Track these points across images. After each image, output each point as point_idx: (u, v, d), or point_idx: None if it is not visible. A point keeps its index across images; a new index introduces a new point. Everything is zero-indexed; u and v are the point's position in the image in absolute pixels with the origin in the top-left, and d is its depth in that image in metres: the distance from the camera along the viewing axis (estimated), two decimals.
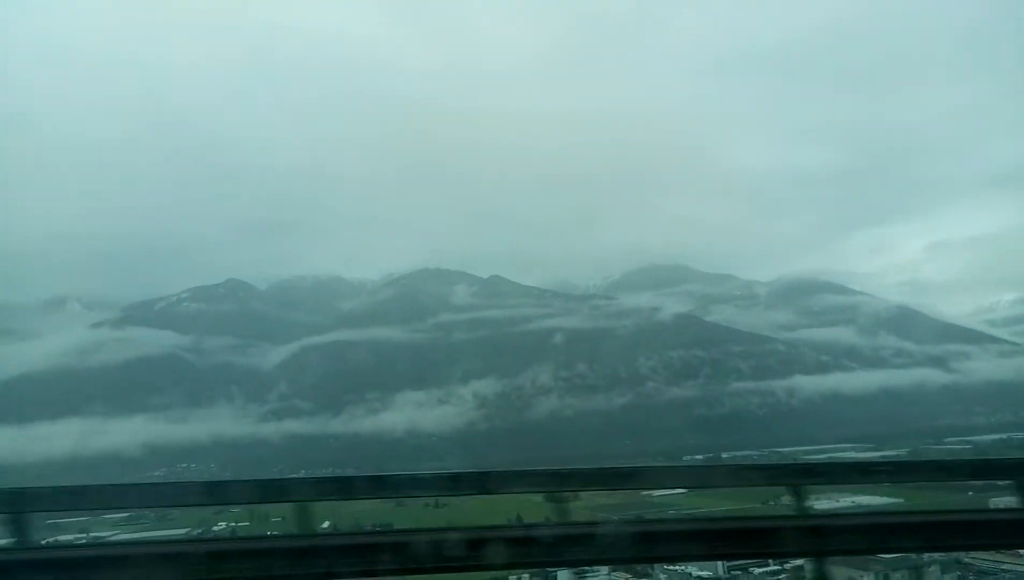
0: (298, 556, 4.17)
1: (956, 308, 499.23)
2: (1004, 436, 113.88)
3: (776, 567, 25.33)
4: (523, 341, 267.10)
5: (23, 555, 4.43)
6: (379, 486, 7.03)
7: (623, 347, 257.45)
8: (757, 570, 25.99)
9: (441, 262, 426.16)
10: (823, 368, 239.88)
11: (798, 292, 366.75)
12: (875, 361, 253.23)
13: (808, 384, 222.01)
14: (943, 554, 19.16)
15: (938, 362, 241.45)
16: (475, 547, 4.10)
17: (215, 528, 43.80)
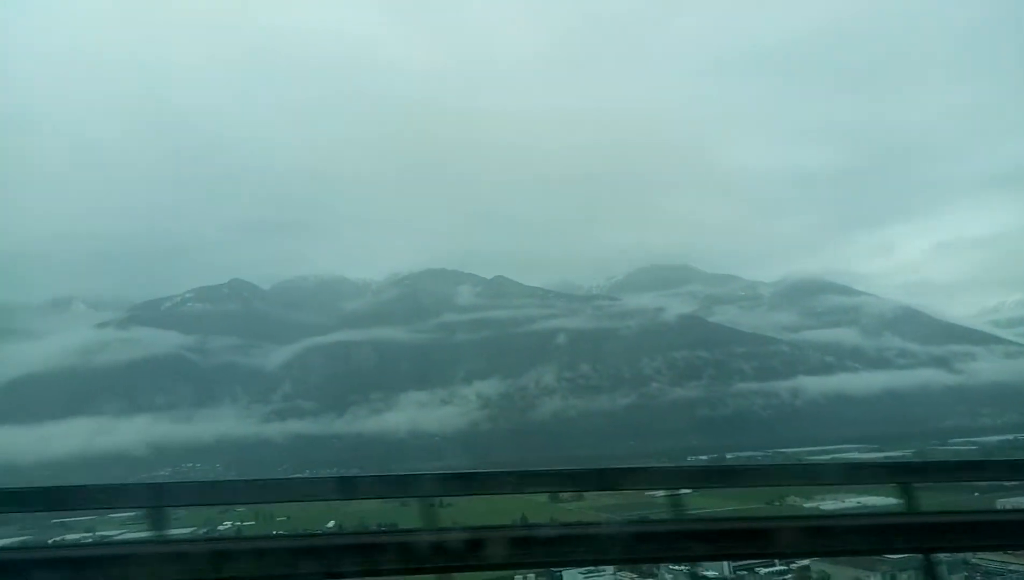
0: (302, 555, 4.17)
1: (961, 309, 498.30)
2: (1009, 437, 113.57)
3: (782, 567, 25.30)
4: (527, 341, 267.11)
5: (30, 554, 4.44)
6: (383, 486, 7.05)
7: (627, 348, 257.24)
8: (763, 570, 25.95)
9: (445, 262, 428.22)
10: (827, 369, 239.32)
11: (802, 293, 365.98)
12: (879, 362, 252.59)
13: (812, 385, 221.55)
14: (950, 555, 19.11)
15: (943, 363, 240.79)
16: (479, 547, 4.10)
17: (220, 527, 43.89)
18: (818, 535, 4.48)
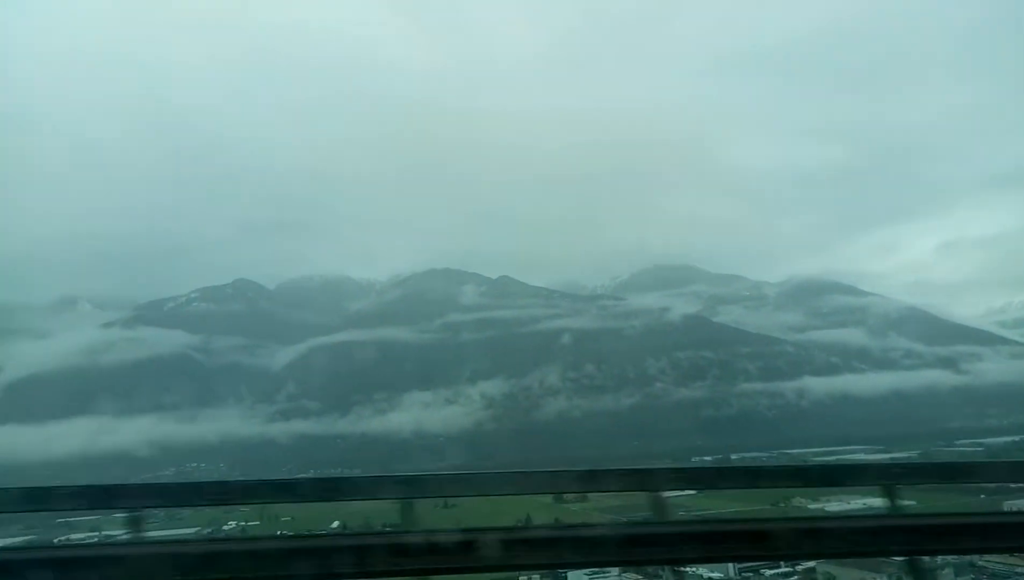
0: (305, 556, 4.17)
1: (967, 309, 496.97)
2: (1016, 438, 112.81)
3: (788, 569, 25.18)
4: (531, 341, 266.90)
5: (34, 554, 4.44)
6: (387, 486, 7.04)
7: (631, 348, 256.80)
8: (768, 572, 25.85)
9: (449, 262, 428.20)
10: (833, 369, 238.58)
11: (807, 293, 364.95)
12: (885, 362, 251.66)
13: (817, 385, 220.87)
14: (956, 557, 18.99)
15: (949, 364, 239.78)
16: (483, 548, 4.09)
17: (224, 527, 43.98)
18: (822, 537, 4.46)
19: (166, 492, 7.19)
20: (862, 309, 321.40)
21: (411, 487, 6.88)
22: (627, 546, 4.27)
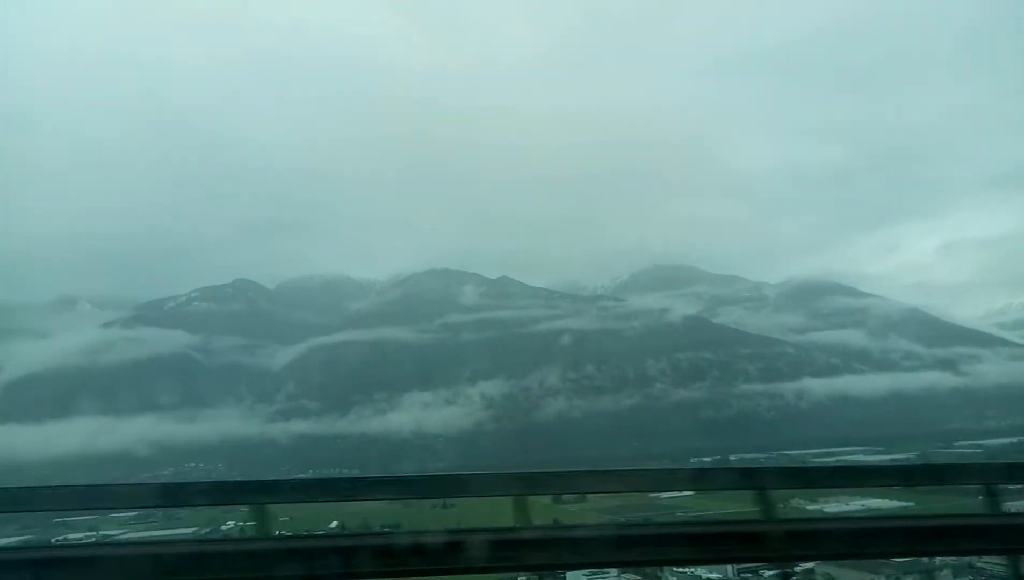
0: (306, 556, 4.17)
1: (967, 310, 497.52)
2: (1015, 440, 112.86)
3: (787, 570, 25.14)
4: (531, 342, 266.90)
5: (33, 553, 4.44)
6: (386, 487, 7.04)
7: (631, 349, 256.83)
8: (767, 573, 25.82)
9: (448, 263, 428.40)
10: (832, 371, 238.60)
11: (807, 294, 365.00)
12: (885, 364, 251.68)
13: (817, 387, 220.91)
14: (955, 558, 19.01)
15: (948, 365, 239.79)
16: (482, 548, 4.09)
17: (223, 528, 43.94)
18: (821, 538, 4.46)
19: (165, 492, 7.18)
20: (862, 310, 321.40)
21: (410, 488, 6.88)
22: (626, 547, 4.27)
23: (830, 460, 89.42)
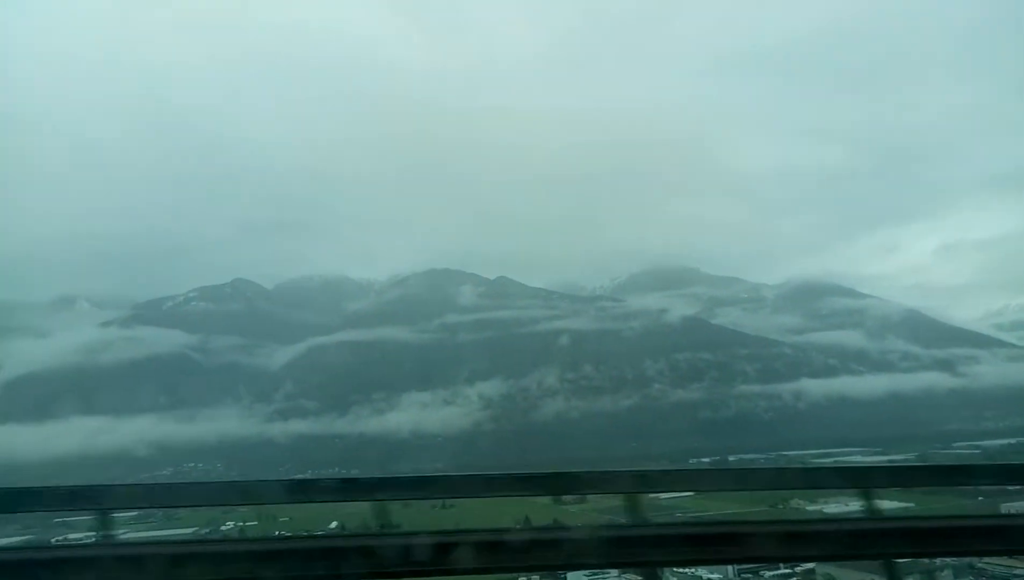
0: (305, 556, 4.17)
1: (965, 312, 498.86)
2: (1013, 441, 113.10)
3: (787, 570, 25.16)
4: (529, 342, 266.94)
5: (32, 554, 4.44)
6: (385, 487, 7.04)
7: (629, 349, 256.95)
8: (768, 573, 25.82)
9: (447, 263, 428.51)
10: (831, 371, 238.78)
11: (806, 295, 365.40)
12: (883, 365, 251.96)
13: (815, 387, 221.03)
14: (955, 559, 19.01)
15: (946, 366, 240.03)
16: (482, 549, 4.09)
17: (222, 528, 43.89)
18: (820, 539, 4.46)
19: (164, 492, 7.18)
20: (860, 311, 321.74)
21: (409, 488, 6.88)
22: (625, 547, 4.27)
23: (828, 461, 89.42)
